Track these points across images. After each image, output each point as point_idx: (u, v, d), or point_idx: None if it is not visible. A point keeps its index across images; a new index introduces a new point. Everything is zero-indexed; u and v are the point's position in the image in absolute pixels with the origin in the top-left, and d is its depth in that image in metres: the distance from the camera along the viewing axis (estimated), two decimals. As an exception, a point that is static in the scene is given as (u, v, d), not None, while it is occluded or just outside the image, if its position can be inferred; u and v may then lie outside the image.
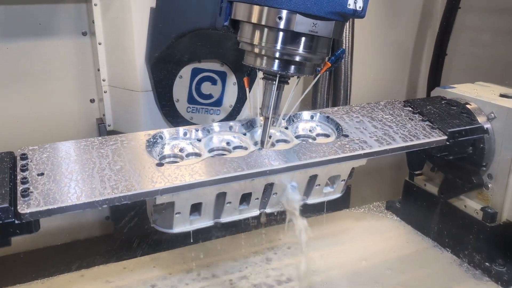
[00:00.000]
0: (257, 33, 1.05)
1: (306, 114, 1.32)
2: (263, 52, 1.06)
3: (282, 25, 1.00)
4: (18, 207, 0.86)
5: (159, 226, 1.14)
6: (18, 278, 1.41)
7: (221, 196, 1.10)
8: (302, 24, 0.99)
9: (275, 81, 1.10)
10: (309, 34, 1.01)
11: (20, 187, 0.93)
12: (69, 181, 0.96)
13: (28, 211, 0.85)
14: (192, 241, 1.31)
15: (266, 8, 1.01)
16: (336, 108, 1.36)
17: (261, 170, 1.03)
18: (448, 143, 1.30)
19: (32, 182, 0.94)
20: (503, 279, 1.42)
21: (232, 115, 1.52)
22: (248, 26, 1.07)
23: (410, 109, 1.39)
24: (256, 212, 1.21)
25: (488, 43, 2.03)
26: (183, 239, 1.59)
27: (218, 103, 1.50)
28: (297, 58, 1.05)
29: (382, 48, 2.17)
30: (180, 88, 1.43)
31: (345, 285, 1.41)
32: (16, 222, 0.87)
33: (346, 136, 1.20)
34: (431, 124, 1.31)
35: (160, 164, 1.02)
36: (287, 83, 1.13)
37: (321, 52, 1.07)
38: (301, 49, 1.03)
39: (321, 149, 1.12)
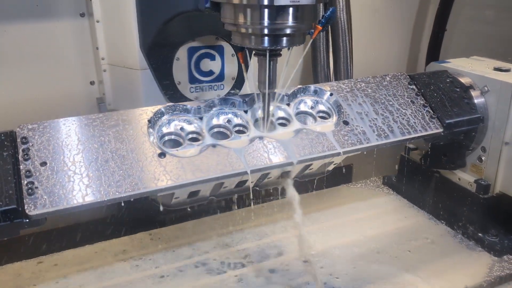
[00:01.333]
0: (240, 13, 1.03)
1: (309, 89, 1.30)
2: (249, 31, 1.04)
3: (263, 1, 0.97)
4: (25, 207, 0.89)
5: (157, 202, 1.18)
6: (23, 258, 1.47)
7: (219, 184, 1.13)
8: None
9: (267, 56, 1.09)
10: (292, 5, 0.99)
11: (24, 181, 0.94)
12: (73, 175, 0.96)
13: (35, 213, 0.88)
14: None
15: None
16: (341, 83, 1.33)
17: (260, 167, 1.05)
18: (443, 134, 1.31)
19: (36, 175, 0.95)
20: (495, 249, 1.46)
21: (235, 87, 1.50)
22: (229, 7, 1.05)
23: (414, 87, 1.38)
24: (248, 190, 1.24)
25: (488, 19, 2.01)
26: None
27: (220, 77, 1.48)
28: (285, 31, 1.03)
29: (383, 24, 2.14)
30: (180, 70, 1.41)
31: (342, 257, 1.45)
32: (25, 220, 0.90)
33: (346, 123, 1.20)
34: (431, 112, 1.32)
35: (162, 155, 1.03)
36: (280, 55, 1.11)
37: (309, 19, 1.05)
38: (286, 22, 1.01)
39: (320, 143, 1.13)
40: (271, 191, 1.33)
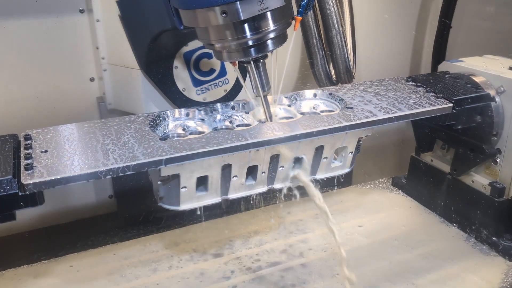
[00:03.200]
0: (212, 34, 1.02)
1: (308, 93, 1.31)
2: (226, 50, 1.04)
3: (230, 19, 0.96)
4: (21, 179, 0.86)
5: (166, 204, 1.13)
6: (24, 257, 1.41)
7: (227, 169, 1.09)
8: (248, 8, 0.95)
9: (252, 65, 1.09)
10: (261, 13, 0.97)
11: (23, 162, 0.92)
12: (73, 156, 0.95)
13: (31, 182, 0.85)
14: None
15: (206, 10, 0.97)
16: (338, 86, 1.35)
17: (265, 139, 1.02)
18: (454, 111, 1.28)
19: (36, 158, 0.94)
20: (510, 253, 1.41)
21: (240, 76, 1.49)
22: (200, 30, 1.04)
23: (413, 83, 1.38)
24: (264, 188, 1.20)
25: (494, 15, 1.99)
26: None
27: (223, 72, 1.47)
28: (261, 40, 1.02)
29: (384, 23, 2.13)
30: (181, 77, 1.41)
31: (352, 259, 1.38)
32: (20, 193, 0.87)
33: (351, 108, 1.19)
34: (436, 95, 1.30)
35: (164, 139, 1.02)
36: (266, 57, 1.10)
37: (283, 19, 1.03)
38: (261, 31, 1.00)
39: (325, 119, 1.11)
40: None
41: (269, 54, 1.10)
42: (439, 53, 1.96)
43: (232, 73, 1.46)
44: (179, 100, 1.41)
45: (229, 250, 1.47)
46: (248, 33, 1.00)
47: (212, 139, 1.02)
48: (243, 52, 1.04)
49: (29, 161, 0.93)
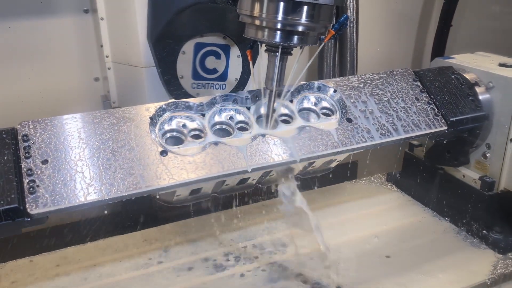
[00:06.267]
0: (257, 5, 1.02)
1: (312, 86, 1.29)
2: (264, 24, 1.04)
3: None
4: (27, 206, 0.88)
5: (159, 200, 1.18)
6: (23, 255, 1.46)
7: (220, 182, 1.13)
8: None
9: (278, 53, 1.09)
10: (311, 2, 0.99)
11: (26, 180, 0.93)
12: (75, 173, 0.96)
13: (36, 212, 0.88)
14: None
15: None
16: (345, 79, 1.32)
17: (262, 166, 1.05)
18: (447, 131, 1.31)
19: (37, 173, 0.95)
20: (499, 246, 1.45)
21: (237, 89, 1.50)
22: None
23: (419, 84, 1.37)
24: (251, 187, 1.25)
25: (494, 14, 1.99)
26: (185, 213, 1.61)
27: (223, 77, 1.48)
28: (299, 28, 1.03)
29: (388, 19, 2.13)
30: (184, 64, 1.42)
31: (346, 254, 1.45)
32: (26, 219, 0.90)
33: (350, 121, 1.20)
34: (435, 109, 1.31)
35: (164, 153, 1.03)
36: (291, 54, 1.11)
37: (324, 20, 1.05)
38: (303, 19, 1.01)
39: (322, 141, 1.13)
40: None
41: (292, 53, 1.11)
42: (439, 50, 1.97)
43: (232, 82, 1.48)
44: (172, 85, 1.41)
45: (222, 244, 1.51)
46: (293, 16, 1.00)
47: (211, 159, 1.03)
48: (281, 34, 1.03)
49: (31, 178, 0.93)
